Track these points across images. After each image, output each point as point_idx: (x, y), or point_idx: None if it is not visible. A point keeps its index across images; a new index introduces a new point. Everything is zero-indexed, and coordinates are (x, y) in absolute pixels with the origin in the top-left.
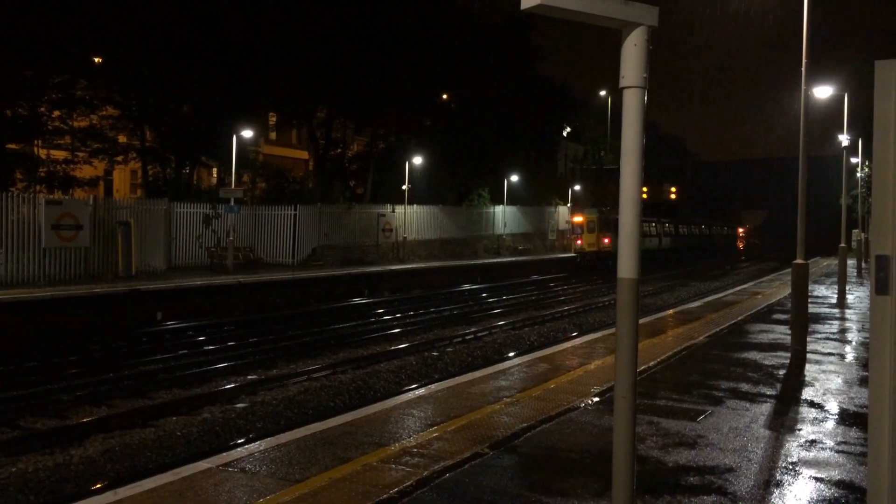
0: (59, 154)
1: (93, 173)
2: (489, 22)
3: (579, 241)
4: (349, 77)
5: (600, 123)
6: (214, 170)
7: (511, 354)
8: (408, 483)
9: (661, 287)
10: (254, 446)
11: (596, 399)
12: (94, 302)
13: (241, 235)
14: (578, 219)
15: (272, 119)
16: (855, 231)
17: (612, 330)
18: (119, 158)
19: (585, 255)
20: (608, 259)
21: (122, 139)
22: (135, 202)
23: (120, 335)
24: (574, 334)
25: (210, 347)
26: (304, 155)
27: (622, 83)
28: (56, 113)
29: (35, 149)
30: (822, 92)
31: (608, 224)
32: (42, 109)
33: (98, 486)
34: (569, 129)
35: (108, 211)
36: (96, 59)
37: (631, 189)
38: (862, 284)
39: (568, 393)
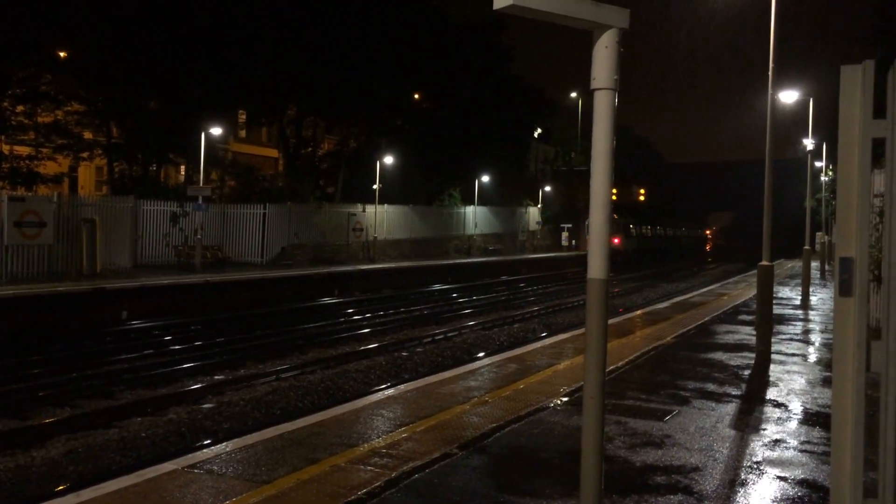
0: (23, 150)
1: (57, 170)
2: (461, 22)
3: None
4: (320, 75)
5: (571, 125)
6: (182, 167)
7: (481, 355)
8: (376, 484)
9: (629, 288)
10: (220, 447)
11: (565, 399)
12: (57, 300)
13: (209, 234)
14: None
15: (242, 117)
16: (819, 233)
17: (582, 330)
18: (84, 155)
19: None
20: (618, 254)
21: (87, 135)
22: (100, 199)
23: (84, 334)
24: (543, 335)
25: (176, 347)
26: (275, 153)
27: (593, 85)
28: (20, 108)
29: None
30: (788, 97)
31: (618, 227)
32: (6, 104)
33: (61, 487)
34: (540, 131)
35: (72, 208)
36: (62, 54)
37: (601, 191)
38: (825, 286)
39: (537, 393)
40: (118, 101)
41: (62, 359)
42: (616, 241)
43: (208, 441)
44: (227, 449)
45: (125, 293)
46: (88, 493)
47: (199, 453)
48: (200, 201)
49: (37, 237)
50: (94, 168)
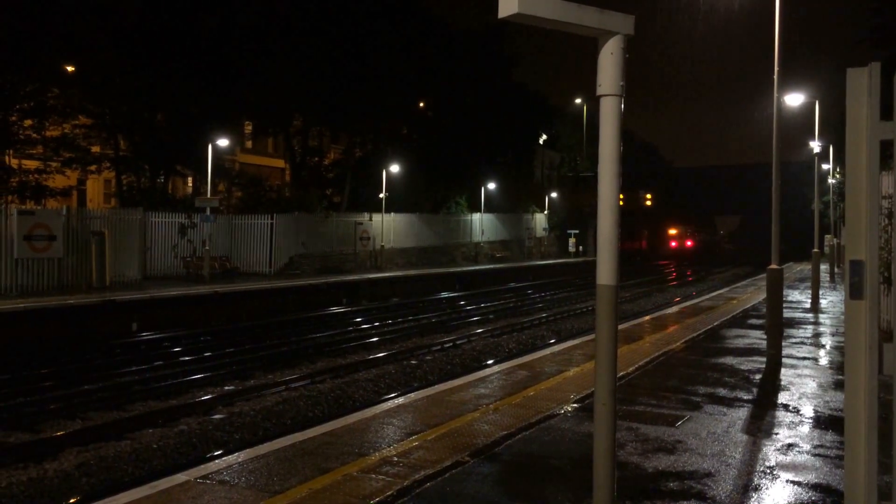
0: (31, 164)
1: (66, 183)
2: (465, 30)
3: (674, 244)
4: (325, 85)
5: (576, 130)
6: (190, 179)
7: (490, 362)
8: (388, 493)
9: (638, 293)
10: (232, 458)
11: (576, 406)
12: (67, 313)
13: (217, 245)
14: (673, 231)
15: (248, 128)
16: (827, 236)
17: (591, 336)
18: (92, 168)
19: (676, 251)
20: (689, 253)
21: (95, 148)
22: (109, 212)
23: (94, 347)
24: (552, 341)
25: (186, 358)
26: (281, 163)
27: (599, 91)
28: (28, 122)
29: (6, 158)
30: (794, 99)
31: (688, 233)
32: (13, 118)
33: (73, 500)
34: (545, 137)
35: (81, 221)
36: (69, 68)
37: (609, 196)
38: (835, 289)
39: (547, 400)
40: (125, 115)
41: (72, 371)
42: (689, 243)
43: (220, 452)
44: (239, 459)
45: (135, 305)
46: None
47: (210, 464)
48: (208, 212)
49: (46, 250)
50: (103, 181)
